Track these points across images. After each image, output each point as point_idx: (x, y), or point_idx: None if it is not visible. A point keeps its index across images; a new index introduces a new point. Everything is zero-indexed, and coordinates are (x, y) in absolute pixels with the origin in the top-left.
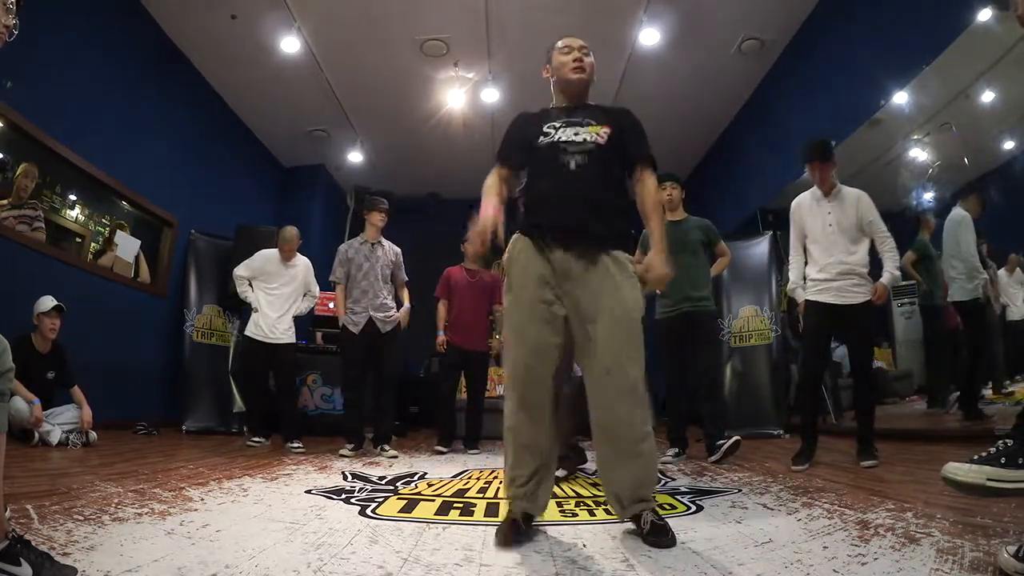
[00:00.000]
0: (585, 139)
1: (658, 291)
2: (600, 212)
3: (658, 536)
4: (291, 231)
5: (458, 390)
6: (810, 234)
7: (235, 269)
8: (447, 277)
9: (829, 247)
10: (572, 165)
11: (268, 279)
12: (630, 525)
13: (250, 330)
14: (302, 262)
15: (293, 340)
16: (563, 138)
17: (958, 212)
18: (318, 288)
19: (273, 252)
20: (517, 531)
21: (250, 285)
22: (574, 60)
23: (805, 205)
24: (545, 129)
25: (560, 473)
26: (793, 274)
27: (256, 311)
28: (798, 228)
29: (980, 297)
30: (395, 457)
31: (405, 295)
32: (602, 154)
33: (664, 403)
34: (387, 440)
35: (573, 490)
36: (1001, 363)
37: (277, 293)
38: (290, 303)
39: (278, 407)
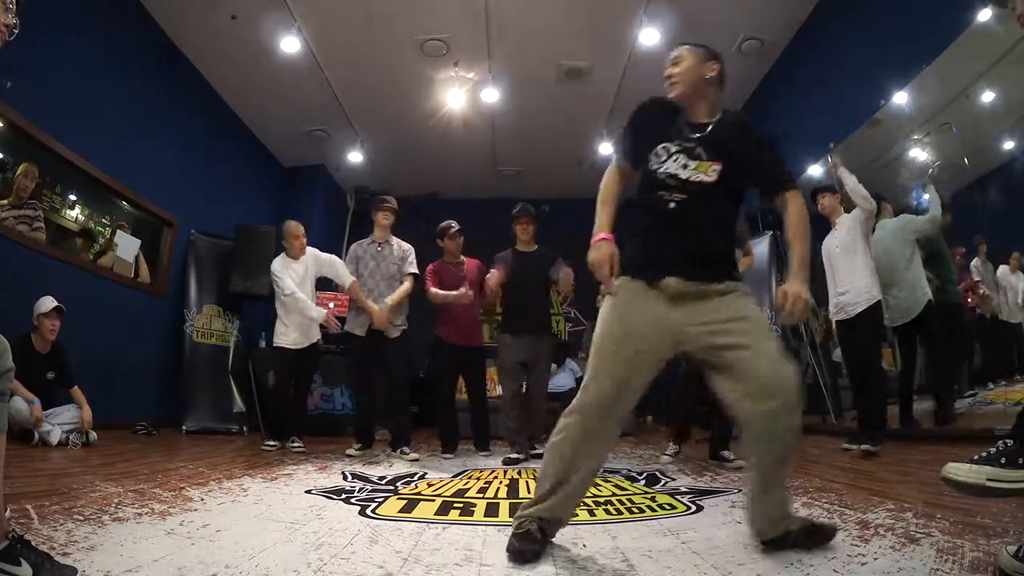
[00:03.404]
0: (689, 178)
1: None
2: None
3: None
4: (292, 224)
5: (457, 390)
6: (830, 264)
7: (283, 289)
8: (435, 271)
9: (837, 268)
10: (671, 204)
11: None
12: (630, 525)
13: (280, 341)
14: (309, 255)
15: (319, 337)
16: (668, 169)
17: (891, 221)
18: (335, 258)
19: (279, 259)
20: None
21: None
22: (666, 76)
23: (827, 241)
24: (660, 148)
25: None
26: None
27: (286, 324)
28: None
29: (924, 310)
30: (416, 459)
31: (407, 282)
32: (710, 192)
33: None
34: (406, 442)
35: None
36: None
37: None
38: (313, 301)
39: (292, 405)
